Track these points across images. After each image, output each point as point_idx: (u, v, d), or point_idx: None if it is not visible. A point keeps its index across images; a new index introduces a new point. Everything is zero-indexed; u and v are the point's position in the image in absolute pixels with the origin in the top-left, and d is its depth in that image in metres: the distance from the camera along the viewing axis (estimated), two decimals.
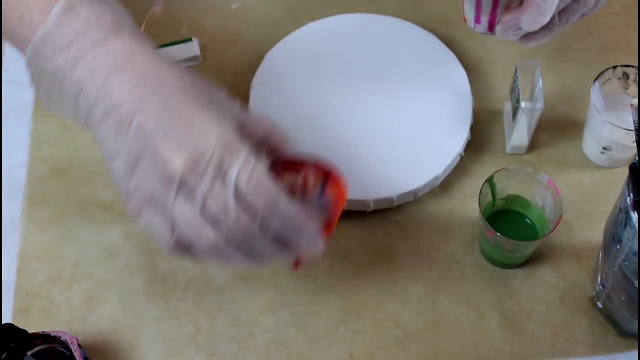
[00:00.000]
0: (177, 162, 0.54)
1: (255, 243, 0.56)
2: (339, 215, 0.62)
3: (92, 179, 0.80)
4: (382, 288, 0.74)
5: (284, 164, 0.61)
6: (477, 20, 0.72)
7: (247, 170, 0.54)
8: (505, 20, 0.69)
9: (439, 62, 0.81)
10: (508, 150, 0.79)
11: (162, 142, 0.55)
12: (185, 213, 0.55)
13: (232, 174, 0.54)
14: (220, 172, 0.54)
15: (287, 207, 0.56)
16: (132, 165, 0.57)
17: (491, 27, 0.72)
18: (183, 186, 0.55)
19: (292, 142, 0.62)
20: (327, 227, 0.61)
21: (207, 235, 0.55)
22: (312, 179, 0.62)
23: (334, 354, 0.71)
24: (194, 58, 0.85)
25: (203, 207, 0.54)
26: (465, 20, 0.72)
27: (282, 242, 0.57)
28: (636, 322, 0.67)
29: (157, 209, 0.56)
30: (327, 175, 0.62)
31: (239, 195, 0.54)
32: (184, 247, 0.57)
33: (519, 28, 0.68)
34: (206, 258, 0.58)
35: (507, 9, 0.70)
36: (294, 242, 0.57)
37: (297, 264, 0.61)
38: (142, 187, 0.56)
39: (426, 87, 0.80)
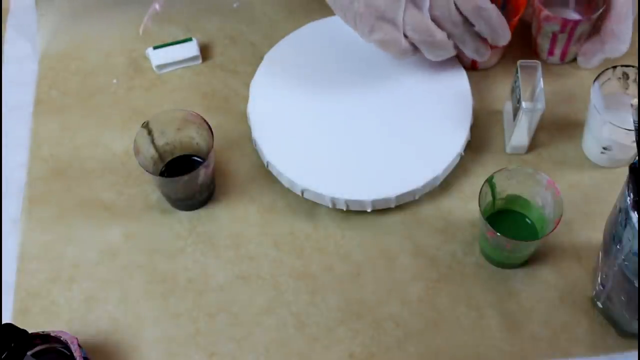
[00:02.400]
0: None
1: (466, 37, 0.75)
2: (517, 20, 0.78)
3: (92, 179, 0.80)
4: (382, 288, 0.74)
5: None
6: (551, 53, 0.82)
7: None
8: (585, 52, 0.80)
9: (439, 62, 0.81)
10: (508, 150, 0.79)
11: None
12: (417, 20, 0.73)
13: None
14: None
15: (490, 10, 0.73)
16: None
17: (563, 58, 0.82)
18: (409, 0, 0.72)
19: None
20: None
21: (438, 34, 0.74)
22: None
23: (334, 354, 0.71)
24: (194, 58, 0.85)
25: (430, 13, 0.73)
26: (536, 55, 0.84)
27: (481, 37, 0.76)
28: (636, 322, 0.67)
29: (388, 22, 0.74)
30: None
31: (454, 2, 0.72)
32: (413, 50, 0.76)
33: (601, 56, 0.79)
34: (428, 52, 0.76)
35: (578, 40, 0.80)
36: (491, 36, 0.75)
37: (474, 63, 0.82)
38: (373, 7, 0.73)
39: (426, 87, 0.80)
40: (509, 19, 0.76)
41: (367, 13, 0.74)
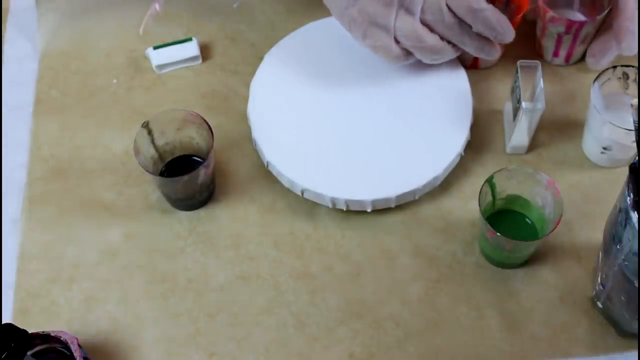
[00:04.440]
0: None
1: (464, 38, 0.74)
2: (519, 18, 0.78)
3: (92, 179, 0.80)
4: (382, 288, 0.74)
5: None
6: (556, 54, 0.81)
7: None
8: (595, 53, 0.79)
9: (439, 62, 0.81)
10: (508, 150, 0.79)
11: None
12: (408, 26, 0.73)
13: None
14: None
15: (485, 10, 0.71)
16: None
17: (568, 59, 0.82)
18: (401, 5, 0.72)
19: None
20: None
21: (429, 39, 0.74)
22: None
23: (334, 354, 0.71)
24: (194, 58, 0.85)
25: (422, 18, 0.73)
26: (541, 56, 0.83)
27: (483, 37, 0.74)
28: (636, 322, 0.67)
29: (380, 28, 0.74)
30: None
31: (447, 4, 0.72)
32: (406, 54, 0.76)
33: (612, 56, 0.79)
34: (423, 57, 0.76)
35: (583, 42, 0.79)
36: (492, 35, 0.73)
37: (476, 62, 0.82)
38: (366, 13, 0.74)
39: (426, 87, 0.80)
40: (512, 16, 0.76)
41: (360, 19, 0.74)
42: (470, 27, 0.73)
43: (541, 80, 0.74)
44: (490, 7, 0.72)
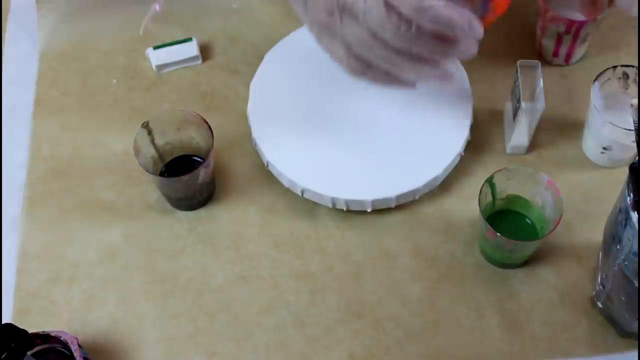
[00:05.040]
0: None
1: (419, 45, 0.63)
2: (492, 19, 0.68)
3: (92, 179, 0.80)
4: (382, 288, 0.74)
5: None
6: (556, 54, 0.81)
7: None
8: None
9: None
10: (508, 150, 0.79)
11: None
12: (354, 32, 0.64)
13: None
14: None
15: (434, 6, 0.60)
16: (303, 2, 0.66)
17: (568, 59, 0.82)
18: (344, 10, 0.63)
19: None
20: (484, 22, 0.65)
21: (376, 48, 0.63)
22: None
23: (334, 354, 0.71)
24: (194, 58, 0.85)
25: (365, 23, 0.62)
26: (541, 56, 0.82)
27: (442, 39, 0.62)
28: (636, 322, 0.67)
29: (331, 34, 0.66)
30: None
31: (388, 5, 0.61)
32: (363, 66, 0.66)
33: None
34: (384, 74, 0.66)
35: (583, 41, 0.80)
36: (451, 35, 0.62)
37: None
38: (315, 18, 0.66)
39: (426, 87, 0.80)
40: (484, 15, 0.69)
41: (313, 27, 0.68)
42: (422, 30, 0.62)
43: (541, 80, 0.74)
44: (439, 4, 0.60)
